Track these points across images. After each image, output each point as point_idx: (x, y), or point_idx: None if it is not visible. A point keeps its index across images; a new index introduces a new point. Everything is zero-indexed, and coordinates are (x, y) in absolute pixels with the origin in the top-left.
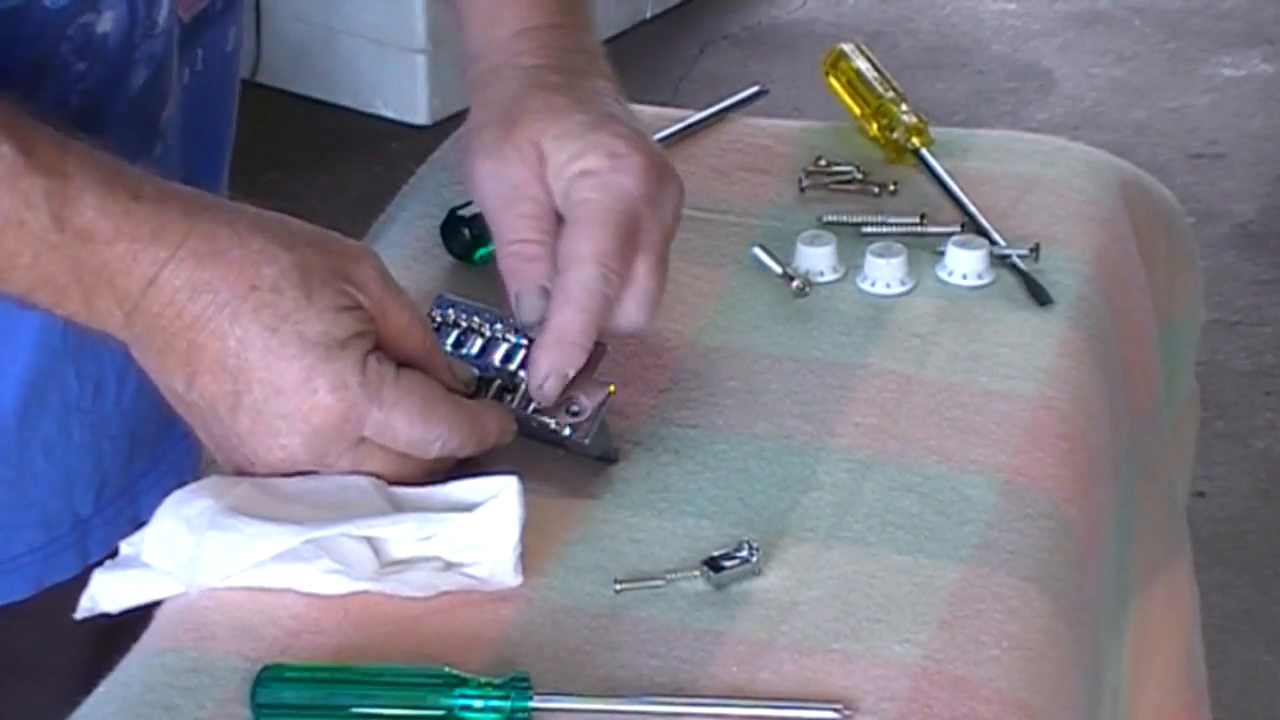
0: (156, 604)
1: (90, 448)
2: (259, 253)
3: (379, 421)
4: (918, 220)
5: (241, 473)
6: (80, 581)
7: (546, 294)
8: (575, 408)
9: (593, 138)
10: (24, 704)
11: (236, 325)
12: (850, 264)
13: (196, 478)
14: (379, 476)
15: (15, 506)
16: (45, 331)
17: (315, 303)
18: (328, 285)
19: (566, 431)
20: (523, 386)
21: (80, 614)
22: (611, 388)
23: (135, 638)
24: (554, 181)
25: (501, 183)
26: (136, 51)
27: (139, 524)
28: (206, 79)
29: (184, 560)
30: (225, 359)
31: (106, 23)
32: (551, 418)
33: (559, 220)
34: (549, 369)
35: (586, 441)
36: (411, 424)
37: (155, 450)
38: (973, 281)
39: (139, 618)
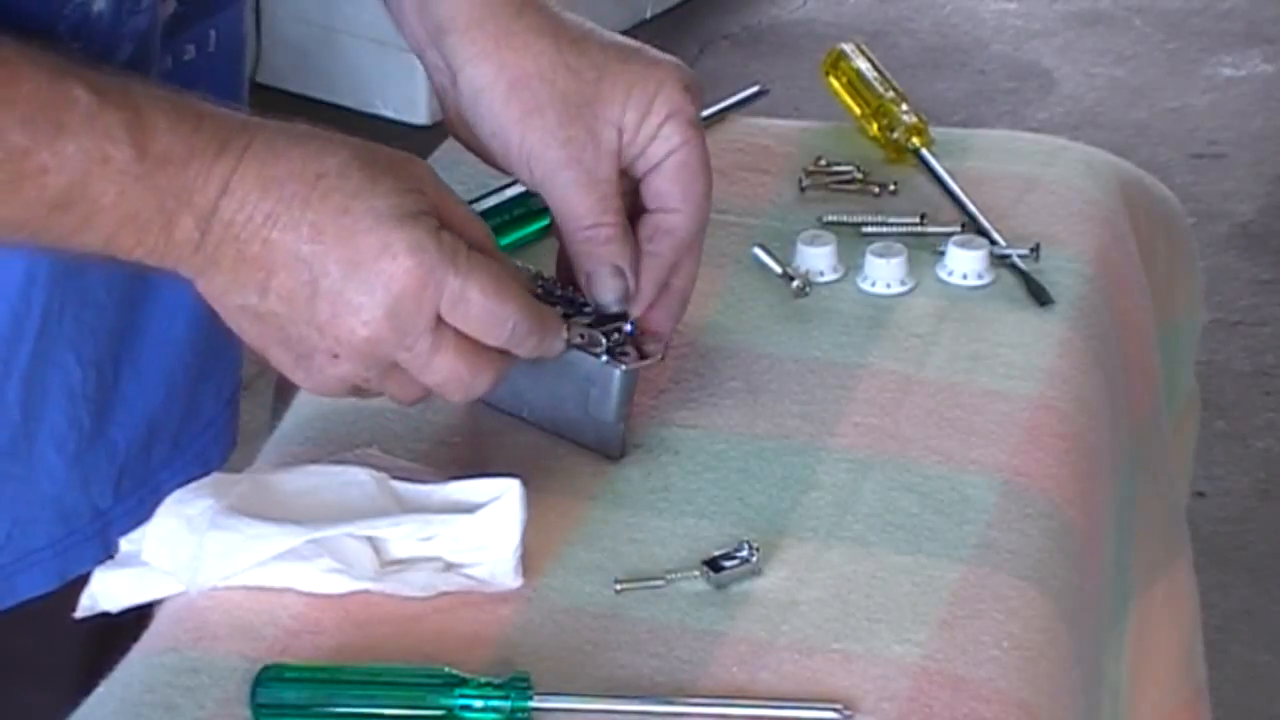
0: (157, 604)
1: (102, 439)
2: (319, 149)
3: (455, 291)
4: (918, 220)
5: (322, 390)
6: (85, 581)
7: (621, 274)
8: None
9: (653, 84)
10: (26, 705)
11: (308, 212)
12: (850, 264)
13: (222, 468)
14: (448, 381)
15: (30, 502)
16: (46, 318)
17: (381, 184)
18: (389, 171)
19: (604, 359)
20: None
21: (80, 613)
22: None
23: (135, 638)
24: (629, 147)
25: (574, 168)
26: (123, 27)
27: None
28: (215, 59)
29: (185, 560)
30: (299, 247)
31: (100, 1)
32: (602, 329)
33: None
34: (671, 325)
35: (624, 370)
36: (485, 295)
37: (177, 440)
38: (973, 281)
39: (139, 618)
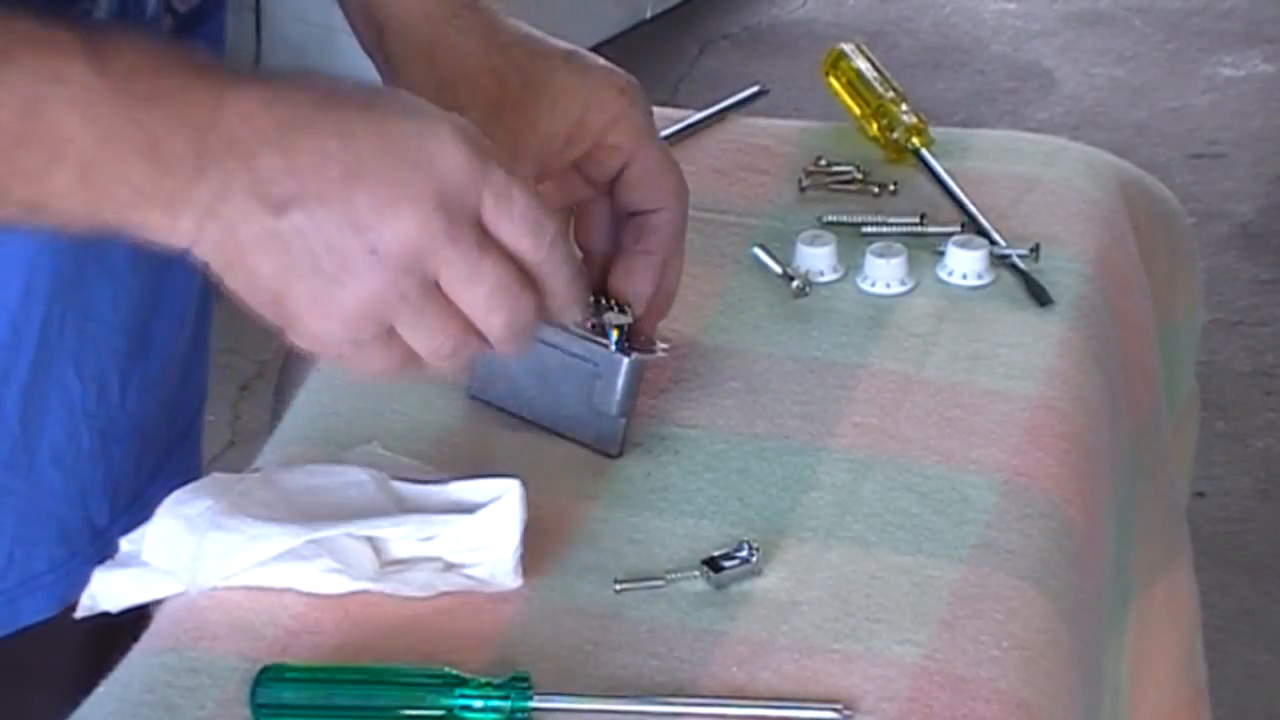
0: (156, 604)
1: (101, 454)
2: (323, 80)
3: (501, 183)
4: (918, 220)
5: (346, 325)
6: None
7: None
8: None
9: (582, 93)
10: (26, 706)
11: (329, 114)
12: (850, 264)
13: (204, 472)
14: (495, 292)
15: (32, 521)
16: (45, 329)
17: (401, 94)
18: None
19: (613, 348)
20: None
21: (80, 613)
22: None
23: (135, 638)
24: (555, 156)
25: None
26: None
27: None
28: None
29: (185, 560)
30: (326, 144)
31: (101, 10)
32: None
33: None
34: (657, 321)
35: (630, 359)
36: (528, 196)
37: (162, 450)
38: (973, 281)
39: (139, 618)
